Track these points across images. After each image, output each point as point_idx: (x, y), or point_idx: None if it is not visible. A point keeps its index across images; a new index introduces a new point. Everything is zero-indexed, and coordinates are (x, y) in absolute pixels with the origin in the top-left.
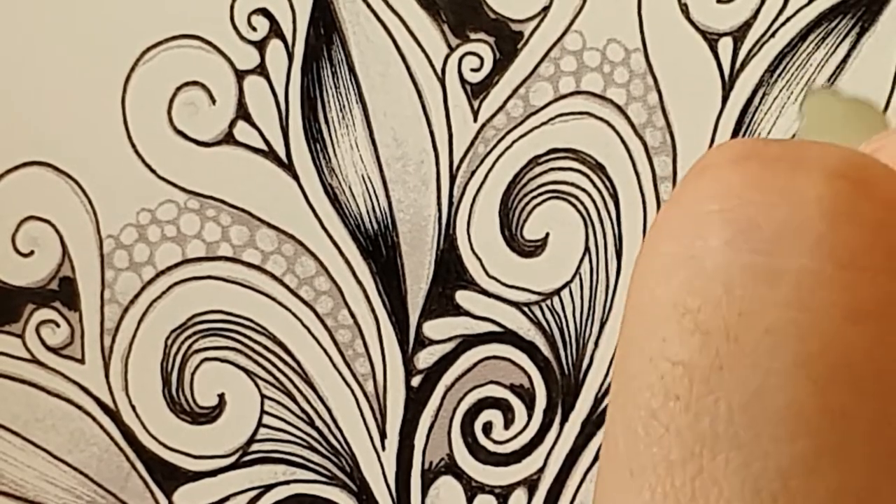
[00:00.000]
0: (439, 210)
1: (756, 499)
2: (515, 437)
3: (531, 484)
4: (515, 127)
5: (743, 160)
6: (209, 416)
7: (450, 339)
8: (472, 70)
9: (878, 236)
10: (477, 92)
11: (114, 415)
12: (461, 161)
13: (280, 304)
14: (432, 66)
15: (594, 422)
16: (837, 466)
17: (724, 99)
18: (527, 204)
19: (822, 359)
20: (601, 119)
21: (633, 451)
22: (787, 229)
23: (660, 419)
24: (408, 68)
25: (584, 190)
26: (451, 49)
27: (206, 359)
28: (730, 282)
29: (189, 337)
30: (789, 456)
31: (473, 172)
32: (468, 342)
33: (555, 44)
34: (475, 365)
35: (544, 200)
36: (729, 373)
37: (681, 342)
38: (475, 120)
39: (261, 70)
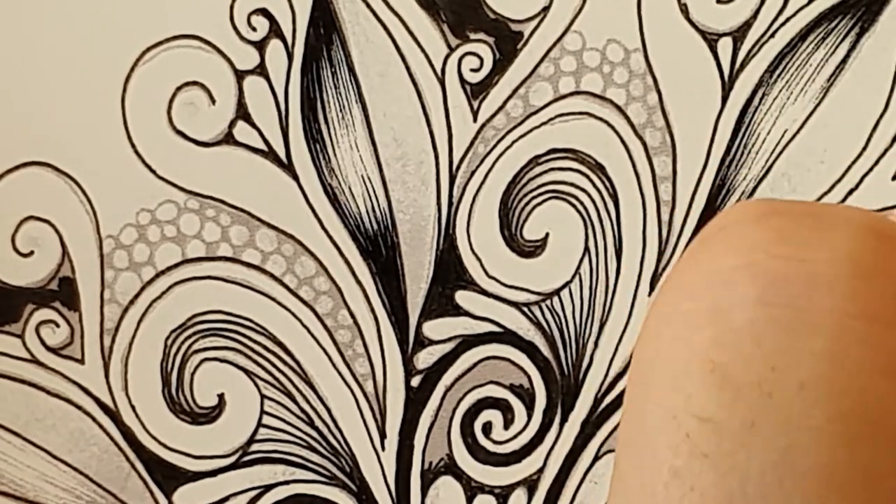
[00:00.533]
0: (439, 210)
1: None
2: (515, 437)
3: (531, 484)
4: (515, 127)
5: (766, 216)
6: (209, 416)
7: (449, 339)
8: (472, 70)
9: None
10: (477, 92)
11: (114, 415)
12: (461, 161)
13: (280, 304)
14: (432, 66)
15: (594, 422)
16: None
17: (724, 99)
18: (527, 204)
19: (853, 415)
20: (601, 119)
21: None
22: (819, 283)
23: (683, 478)
24: (407, 68)
25: (583, 190)
26: (451, 49)
27: (206, 359)
28: (761, 336)
29: (189, 337)
30: None
31: (473, 172)
32: (468, 342)
33: (555, 44)
34: (475, 365)
35: (544, 200)
36: (761, 429)
37: (709, 398)
38: (475, 120)
39: (261, 70)
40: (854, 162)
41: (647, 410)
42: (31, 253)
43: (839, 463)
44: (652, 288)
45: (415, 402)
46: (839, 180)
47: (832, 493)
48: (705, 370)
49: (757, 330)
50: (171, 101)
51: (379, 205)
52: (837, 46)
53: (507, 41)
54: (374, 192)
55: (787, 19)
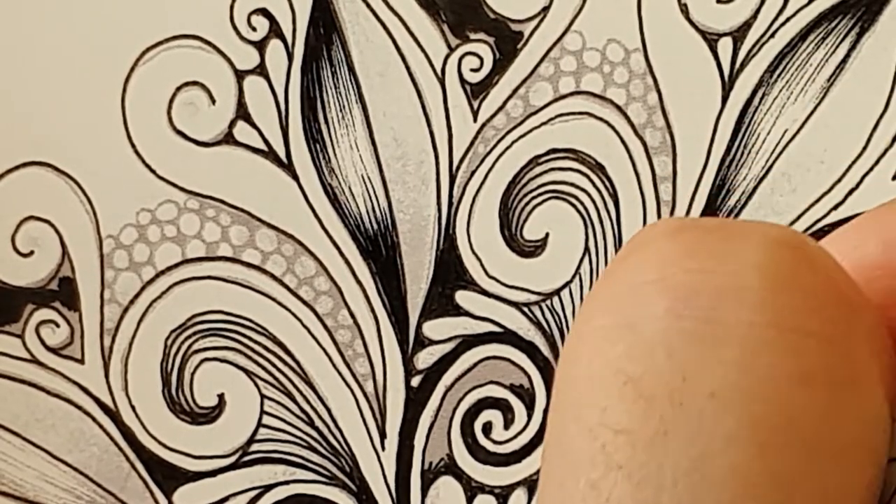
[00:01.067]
0: (439, 210)
1: None
2: (515, 437)
3: (531, 484)
4: (515, 127)
5: (678, 232)
6: (209, 416)
7: (450, 339)
8: (472, 70)
9: (819, 303)
10: (477, 92)
11: (114, 415)
12: (461, 161)
13: (280, 304)
14: (432, 66)
15: None
16: None
17: (724, 99)
18: (527, 204)
19: (766, 422)
20: (601, 119)
21: None
22: (728, 294)
23: (600, 490)
24: (407, 68)
25: (584, 190)
26: (451, 49)
27: (206, 359)
28: (671, 347)
29: (189, 337)
30: None
31: (473, 172)
32: (468, 342)
33: (555, 44)
34: (475, 365)
35: (544, 200)
36: (673, 438)
37: (623, 410)
38: (475, 120)
39: (260, 70)
40: (854, 162)
41: (565, 427)
42: (31, 253)
43: (752, 470)
44: None
45: (415, 402)
46: (839, 180)
47: (746, 500)
48: (619, 382)
49: (668, 341)
50: (171, 101)
51: (379, 205)
52: (837, 46)
53: (507, 41)
54: (374, 192)
55: (788, 19)
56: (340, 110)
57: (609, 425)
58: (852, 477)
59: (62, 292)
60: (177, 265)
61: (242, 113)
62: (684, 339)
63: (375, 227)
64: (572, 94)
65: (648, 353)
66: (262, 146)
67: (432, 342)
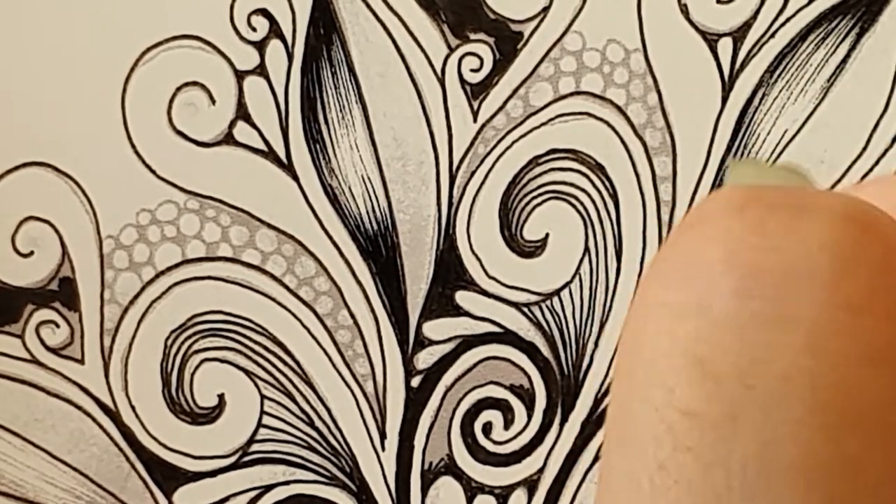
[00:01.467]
0: (439, 210)
1: None
2: (515, 437)
3: (531, 484)
4: (515, 127)
5: (743, 206)
6: (209, 416)
7: (449, 339)
8: (472, 70)
9: (888, 280)
10: (477, 92)
11: (113, 415)
12: (461, 161)
13: (280, 304)
14: (432, 66)
15: (594, 422)
16: None
17: (724, 99)
18: (527, 204)
19: (835, 407)
20: (601, 119)
21: None
22: (796, 274)
23: (668, 470)
24: (407, 68)
25: (583, 190)
26: (451, 49)
27: (206, 359)
28: (741, 329)
29: (189, 337)
30: None
31: (473, 173)
32: (468, 342)
33: (554, 44)
34: (475, 365)
35: (544, 201)
36: (742, 421)
37: (691, 391)
38: (475, 120)
39: (260, 70)
40: (854, 162)
41: (631, 404)
42: (31, 253)
43: (821, 454)
44: None
45: (415, 402)
46: (839, 180)
47: (815, 485)
48: (687, 363)
49: (737, 323)
50: (171, 102)
51: (379, 205)
52: (837, 46)
53: (507, 41)
54: (374, 192)
55: (788, 19)
56: (340, 111)
57: (677, 406)
58: None
59: (62, 292)
60: (177, 265)
61: (242, 113)
62: (753, 321)
63: (375, 227)
64: (572, 94)
65: (717, 334)
66: (262, 146)
67: (432, 342)
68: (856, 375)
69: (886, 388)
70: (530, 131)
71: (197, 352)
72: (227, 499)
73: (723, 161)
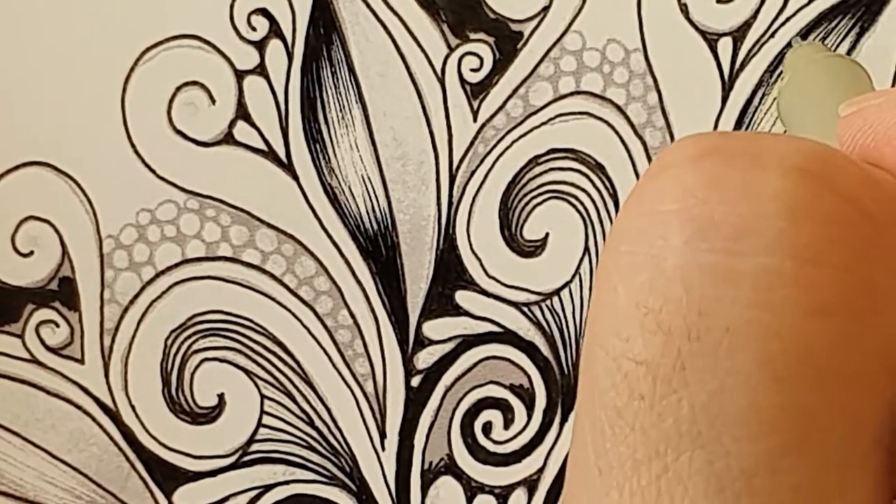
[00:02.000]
0: (439, 210)
1: (720, 497)
2: (515, 437)
3: (531, 484)
4: (515, 127)
5: (700, 158)
6: (209, 416)
7: (449, 339)
8: (472, 70)
9: (839, 231)
10: (477, 92)
11: (113, 415)
12: (461, 161)
13: (280, 304)
14: (432, 66)
15: None
16: (800, 464)
17: (724, 99)
18: (527, 204)
19: (783, 357)
20: (601, 119)
21: (600, 449)
22: (746, 227)
23: (625, 418)
24: (407, 68)
25: (583, 190)
26: (451, 49)
27: (206, 359)
28: (689, 282)
29: (189, 337)
30: (752, 454)
31: (473, 172)
32: (468, 342)
33: (554, 44)
34: (475, 365)
35: (544, 200)
36: (691, 372)
37: (643, 342)
38: (475, 120)
39: (260, 70)
40: None
41: (593, 353)
42: (31, 253)
43: (768, 403)
44: None
45: (415, 402)
46: None
47: (762, 433)
48: (640, 314)
49: (686, 275)
50: (171, 101)
51: (379, 205)
52: (837, 46)
53: (507, 41)
54: (374, 192)
55: (788, 19)
56: (340, 110)
57: (631, 356)
58: (872, 402)
59: (62, 292)
60: (177, 265)
61: (242, 113)
62: (702, 273)
63: (375, 227)
64: (572, 93)
65: (667, 286)
66: (262, 146)
67: (432, 342)
68: (804, 325)
69: (835, 337)
70: (530, 131)
71: (197, 351)
72: (227, 498)
73: None
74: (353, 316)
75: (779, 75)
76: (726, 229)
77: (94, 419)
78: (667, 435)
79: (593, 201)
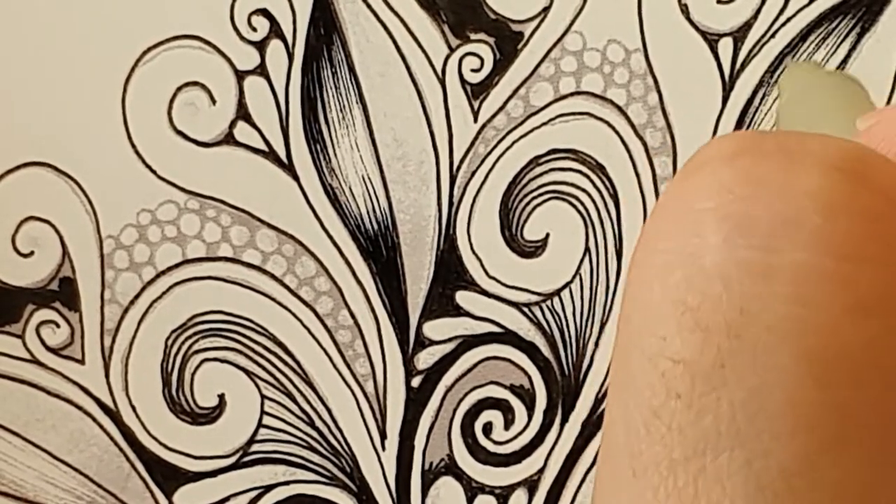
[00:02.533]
0: (439, 210)
1: (759, 496)
2: (515, 437)
3: (531, 484)
4: (516, 127)
5: (737, 156)
6: (209, 416)
7: (450, 339)
8: (473, 70)
9: (877, 227)
10: (477, 92)
11: (114, 415)
12: (461, 161)
13: (280, 304)
14: (432, 66)
15: (594, 422)
16: (839, 461)
17: (725, 99)
18: (527, 204)
19: (822, 354)
20: (601, 119)
21: (635, 450)
22: (783, 223)
23: (662, 418)
24: (408, 69)
25: (584, 190)
26: (452, 49)
27: (207, 359)
28: (728, 279)
29: (189, 337)
30: (791, 452)
31: (474, 173)
32: (468, 343)
33: (555, 44)
34: (475, 365)
35: (544, 201)
36: (730, 370)
37: (681, 340)
38: (475, 120)
39: (261, 70)
40: None
41: (628, 352)
42: (32, 253)
43: (808, 401)
44: None
45: (415, 402)
46: None
47: (801, 430)
48: (677, 312)
49: (725, 273)
50: (171, 102)
51: (379, 205)
52: (838, 47)
53: (508, 41)
54: (375, 192)
55: (788, 19)
56: (341, 110)
57: (668, 355)
58: None
59: (62, 292)
60: (177, 265)
61: (243, 113)
62: (741, 270)
63: (376, 227)
64: (573, 94)
65: (706, 284)
66: (263, 146)
67: (433, 342)
68: (843, 322)
69: (874, 333)
70: (531, 131)
71: (197, 352)
72: (227, 499)
73: None
74: (353, 316)
75: (779, 76)
76: (764, 226)
77: (94, 419)
78: (705, 434)
79: (594, 202)
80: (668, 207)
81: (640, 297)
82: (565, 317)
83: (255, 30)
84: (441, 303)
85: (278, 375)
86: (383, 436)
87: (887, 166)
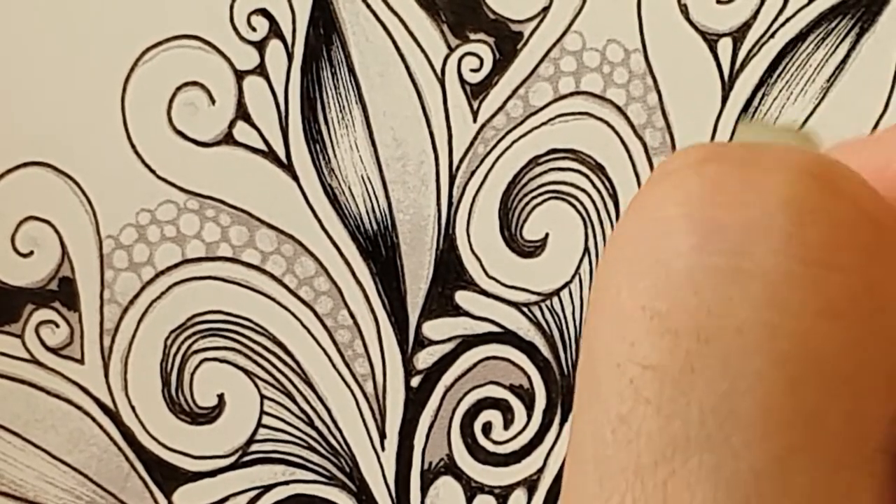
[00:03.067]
0: (439, 210)
1: (729, 500)
2: (515, 437)
3: (531, 484)
4: (515, 127)
5: (705, 163)
6: (209, 416)
7: (449, 339)
8: (472, 70)
9: (847, 234)
10: (476, 92)
11: (113, 415)
12: (461, 161)
13: (280, 304)
14: (432, 66)
15: None
16: (809, 465)
17: (724, 99)
18: (526, 204)
19: (793, 358)
20: (601, 119)
21: (601, 457)
22: (754, 229)
23: (629, 423)
24: (407, 68)
25: (583, 190)
26: (451, 49)
27: (206, 359)
28: (698, 283)
29: (189, 337)
30: (762, 457)
31: (473, 173)
32: (468, 342)
33: (554, 44)
34: (475, 365)
35: (544, 201)
36: (700, 374)
37: (650, 345)
38: (475, 120)
39: (260, 70)
40: None
41: (595, 358)
42: (31, 253)
43: (779, 405)
44: None
45: (415, 402)
46: None
47: (772, 434)
48: (646, 318)
49: (694, 277)
50: (171, 101)
51: (379, 205)
52: (837, 47)
53: (507, 41)
54: (374, 192)
55: (787, 20)
56: (340, 110)
57: (637, 360)
58: (882, 404)
59: (62, 292)
60: (177, 265)
61: (242, 113)
62: (710, 275)
63: (375, 227)
64: (572, 94)
65: (675, 289)
66: (262, 146)
67: (432, 342)
68: (814, 327)
69: (845, 339)
70: (530, 131)
71: (197, 352)
72: (226, 499)
73: None
74: (352, 316)
75: (779, 75)
76: (734, 232)
77: (93, 419)
78: (674, 439)
79: (593, 202)
80: (635, 216)
81: (608, 305)
82: (565, 317)
83: (254, 30)
84: (440, 303)
85: (278, 375)
86: (383, 435)
87: (853, 174)
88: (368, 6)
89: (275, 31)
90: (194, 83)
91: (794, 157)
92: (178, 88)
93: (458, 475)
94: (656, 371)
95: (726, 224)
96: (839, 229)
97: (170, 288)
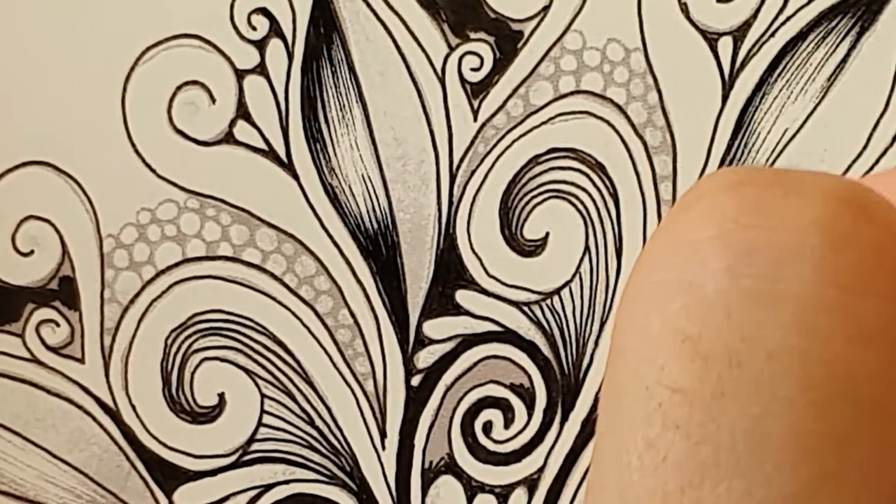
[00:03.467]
0: (439, 209)
1: None
2: (515, 436)
3: (531, 483)
4: (515, 126)
5: (738, 186)
6: (209, 415)
7: (450, 338)
8: (472, 69)
9: (880, 259)
10: (477, 91)
11: (114, 414)
12: (461, 160)
13: (280, 303)
14: (432, 65)
15: (594, 421)
16: (840, 493)
17: (724, 98)
18: (527, 203)
19: (824, 384)
20: (601, 118)
21: (625, 482)
22: (787, 253)
23: (657, 448)
24: (408, 68)
25: (584, 189)
26: (451, 48)
27: (206, 358)
28: (730, 307)
29: (189, 336)
30: (793, 483)
31: (473, 172)
32: (468, 341)
33: (555, 43)
34: (475, 364)
35: (544, 200)
36: (731, 399)
37: (680, 369)
38: (475, 119)
39: (261, 69)
40: (854, 162)
41: (622, 382)
42: (31, 252)
43: (810, 431)
44: None
45: (415, 401)
46: None
47: (803, 461)
48: (676, 341)
49: (726, 301)
50: (171, 101)
51: (379, 204)
52: (837, 46)
53: (508, 40)
54: (375, 191)
55: (788, 19)
56: (340, 110)
57: (666, 384)
58: None
59: (62, 292)
60: (177, 264)
61: (243, 112)
62: (743, 298)
63: (375, 226)
64: (572, 93)
65: (707, 312)
66: (263, 146)
67: (432, 341)
68: (845, 353)
69: (876, 366)
70: (530, 130)
71: (197, 351)
72: (227, 498)
73: (723, 160)
74: (353, 315)
75: (779, 75)
76: (768, 255)
77: (94, 419)
78: (703, 465)
79: (594, 201)
80: (666, 238)
81: (637, 327)
82: (565, 316)
83: (254, 29)
84: (441, 302)
85: (278, 374)
86: (383, 435)
87: (885, 202)
88: (369, 5)
89: (275, 30)
90: (195, 82)
91: (827, 182)
92: (179, 87)
93: (459, 474)
94: (686, 395)
95: (759, 247)
96: (871, 255)
97: (170, 287)
